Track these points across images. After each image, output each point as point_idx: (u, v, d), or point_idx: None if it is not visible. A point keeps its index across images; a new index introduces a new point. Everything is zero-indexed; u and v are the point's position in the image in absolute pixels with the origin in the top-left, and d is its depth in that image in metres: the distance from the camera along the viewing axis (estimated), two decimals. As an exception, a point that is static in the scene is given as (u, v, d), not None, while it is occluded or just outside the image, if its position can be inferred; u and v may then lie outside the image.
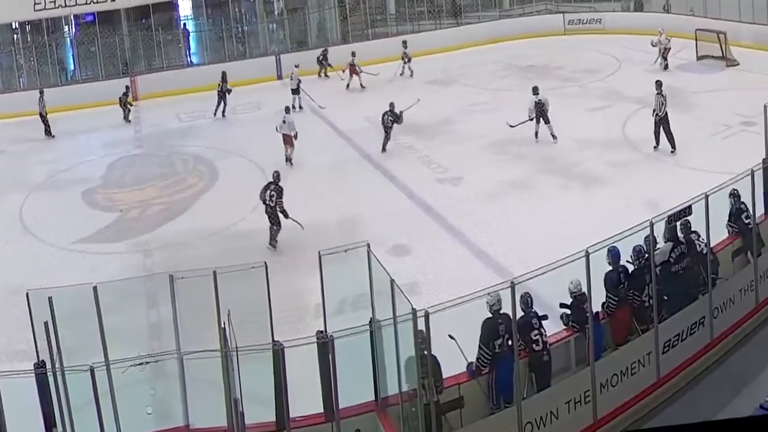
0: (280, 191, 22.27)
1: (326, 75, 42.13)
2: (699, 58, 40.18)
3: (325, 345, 12.26)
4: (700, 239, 16.07)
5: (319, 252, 13.17)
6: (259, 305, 13.16)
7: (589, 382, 13.84)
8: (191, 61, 46.79)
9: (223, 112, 34.87)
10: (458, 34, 47.77)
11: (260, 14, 49.32)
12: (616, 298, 14.96)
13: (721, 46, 39.57)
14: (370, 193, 26.09)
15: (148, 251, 23.24)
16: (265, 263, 12.99)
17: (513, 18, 51.39)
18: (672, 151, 26.95)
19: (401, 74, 40.99)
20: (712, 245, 16.23)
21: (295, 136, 28.79)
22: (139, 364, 12.29)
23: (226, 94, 34.79)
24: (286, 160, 28.58)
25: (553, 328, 14.71)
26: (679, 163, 26.27)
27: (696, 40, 40.19)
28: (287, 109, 31.16)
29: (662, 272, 15.35)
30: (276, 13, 50.66)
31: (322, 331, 12.79)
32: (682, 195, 16.09)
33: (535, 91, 29.46)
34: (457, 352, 13.17)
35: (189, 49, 47.38)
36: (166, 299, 13.58)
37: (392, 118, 29.18)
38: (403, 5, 50.47)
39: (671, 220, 15.36)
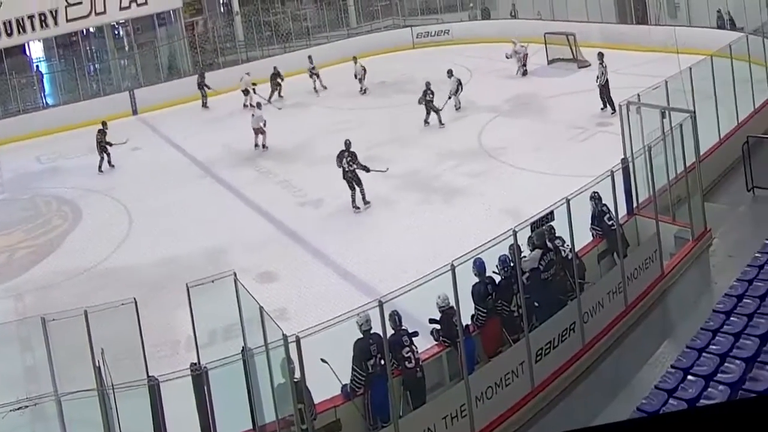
0: (354, 155, 25.77)
1: (206, 105, 42.65)
2: (550, 61, 41.39)
3: (199, 377, 12.42)
4: (565, 245, 16.47)
5: (186, 284, 13.23)
6: (131, 341, 13.11)
7: (464, 396, 14.08)
8: (47, 102, 46.38)
9: (109, 162, 33.65)
10: (310, 54, 48.03)
11: (111, 51, 49.20)
12: (485, 310, 15.27)
13: (571, 48, 40.84)
14: (233, 221, 26.14)
15: (19, 295, 22.97)
16: (134, 299, 12.99)
17: (362, 35, 52.25)
18: (612, 113, 28.95)
19: (315, 90, 41.75)
20: (576, 249, 16.69)
21: (264, 124, 32.87)
22: (17, 409, 12.21)
23: (107, 146, 33.70)
24: (258, 146, 32.74)
25: (424, 344, 14.93)
26: (537, 168, 26.91)
27: (546, 44, 41.38)
28: (258, 105, 34.41)
29: (532, 280, 15.75)
30: (126, 48, 50.24)
31: (195, 364, 12.89)
32: (544, 201, 16.57)
33: (450, 73, 34.31)
34: (331, 376, 13.33)
35: (44, 90, 47.09)
36: (40, 342, 13.40)
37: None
38: (251, 31, 50.85)
39: (535, 226, 15.77)
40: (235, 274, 13.28)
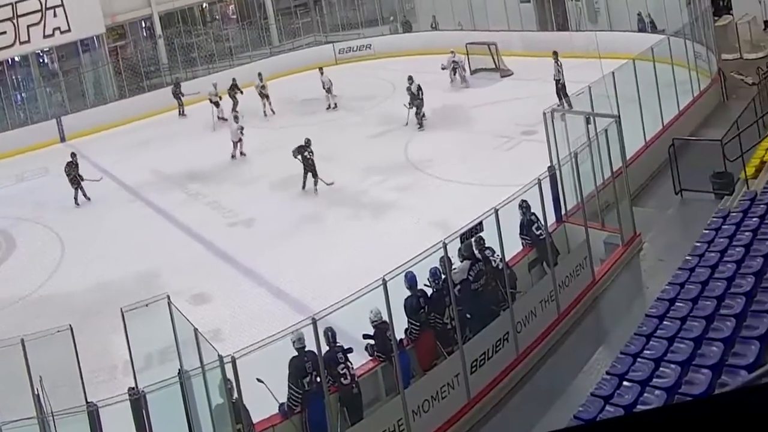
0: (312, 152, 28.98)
1: (183, 113, 43.13)
2: (473, 72, 41.64)
3: (137, 401, 12.51)
4: (495, 255, 16.56)
5: (121, 309, 13.38)
6: (69, 368, 13.19)
7: (401, 410, 14.07)
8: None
9: (84, 194, 32.51)
10: (233, 76, 48.00)
11: (36, 79, 48.79)
12: (418, 323, 15.32)
13: (493, 58, 41.12)
14: (164, 244, 26.04)
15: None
16: (70, 326, 13.08)
17: (284, 53, 52.31)
18: (569, 108, 28.42)
19: (265, 114, 41.20)
20: (507, 259, 16.78)
21: (242, 132, 34.20)
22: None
23: (80, 179, 32.44)
24: (235, 156, 33.71)
25: (359, 360, 15.01)
26: (465, 179, 27.03)
27: (467, 54, 41.60)
28: (235, 118, 35.16)
29: (463, 291, 15.80)
30: (52, 76, 49.73)
31: (133, 388, 12.95)
32: (472, 212, 16.66)
33: (411, 79, 34.58)
34: (268, 395, 13.34)
35: (-29, 121, 46.60)
36: (-22, 372, 13.45)
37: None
38: (175, 54, 50.91)
39: (464, 238, 15.84)
40: (168, 297, 13.49)
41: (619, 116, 20.29)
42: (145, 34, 54.12)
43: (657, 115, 26.05)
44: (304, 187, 28.70)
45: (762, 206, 15.83)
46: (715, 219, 17.25)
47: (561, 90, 32.19)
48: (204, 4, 55.96)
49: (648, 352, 12.55)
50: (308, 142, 29.01)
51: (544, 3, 48.73)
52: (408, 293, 15.36)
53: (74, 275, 24.59)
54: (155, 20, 52.61)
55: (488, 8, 47.93)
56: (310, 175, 28.44)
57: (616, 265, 19.23)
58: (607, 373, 12.71)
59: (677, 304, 13.73)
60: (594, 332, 17.47)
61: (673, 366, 11.69)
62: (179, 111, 43.66)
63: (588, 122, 20.00)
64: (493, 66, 41.08)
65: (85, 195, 31.71)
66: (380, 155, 31.13)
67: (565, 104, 29.82)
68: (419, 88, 34.23)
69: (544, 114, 20.57)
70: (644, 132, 24.85)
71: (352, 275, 18.23)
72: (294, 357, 13.75)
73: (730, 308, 12.02)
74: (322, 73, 41.51)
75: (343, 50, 50.86)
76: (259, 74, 42.01)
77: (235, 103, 40.55)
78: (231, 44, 54.36)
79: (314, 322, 12.96)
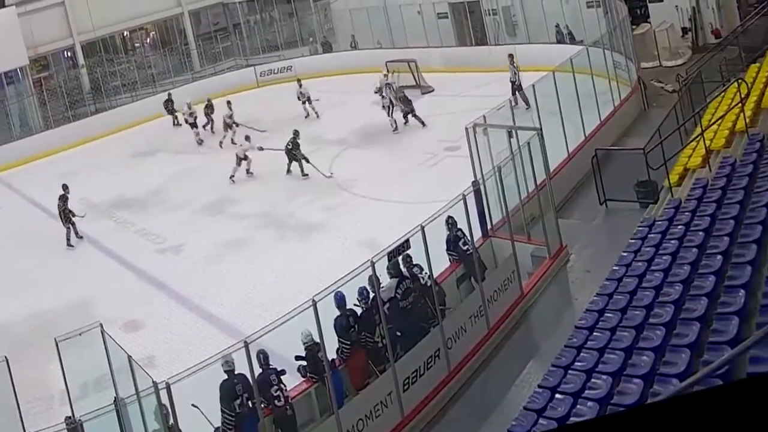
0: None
1: (178, 123, 42.65)
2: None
3: (74, 430, 12.62)
4: (423, 272, 16.63)
5: (55, 339, 13.45)
6: (6, 399, 13.19)
7: (335, 430, 14.05)
8: None
9: (76, 233, 31.53)
10: (156, 102, 47.69)
11: (-39, 112, 48.38)
12: (348, 342, 15.36)
13: (413, 75, 41.27)
14: (95, 273, 26.00)
15: None
16: (5, 357, 13.06)
17: (206, 78, 52.15)
18: (527, 108, 29.06)
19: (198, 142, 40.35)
20: (435, 275, 16.86)
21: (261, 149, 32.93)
22: None
23: (71, 215, 30.51)
24: (244, 173, 32.47)
25: (292, 381, 15.08)
26: (390, 197, 27.15)
27: (388, 72, 41.62)
28: (247, 138, 33.61)
29: (391, 309, 15.84)
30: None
31: (70, 417, 13.10)
32: (399, 229, 16.68)
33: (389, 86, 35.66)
34: (203, 420, 13.37)
35: None
36: None
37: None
38: (99, 82, 50.62)
39: (391, 256, 15.87)
40: (101, 326, 13.59)
41: (540, 129, 20.43)
42: (67, 64, 53.69)
43: (579, 126, 26.35)
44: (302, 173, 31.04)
45: (687, 214, 16.03)
46: (640, 228, 17.46)
47: (517, 89, 32.72)
48: (125, 32, 55.75)
49: (579, 363, 12.64)
50: (295, 133, 31.08)
51: (462, 18, 49.15)
52: (337, 313, 15.38)
53: (7, 307, 24.41)
54: (77, 50, 52.32)
55: (407, 25, 48.31)
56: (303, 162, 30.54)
57: (543, 277, 19.37)
58: (539, 386, 12.78)
59: (606, 314, 13.85)
60: (524, 345, 17.56)
61: (604, 377, 11.78)
62: (174, 122, 43.48)
63: (510, 136, 20.17)
64: (414, 83, 41.20)
65: (77, 233, 29.40)
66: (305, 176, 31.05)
67: (523, 103, 30.23)
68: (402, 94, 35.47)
69: (467, 129, 20.68)
70: (567, 143, 25.10)
71: (282, 297, 18.37)
72: (224, 380, 13.82)
73: (659, 317, 12.14)
74: (300, 85, 41.46)
75: (264, 73, 50.80)
76: (188, 103, 41.67)
77: (211, 123, 40.56)
78: (153, 71, 54.15)
79: (246, 346, 13.01)
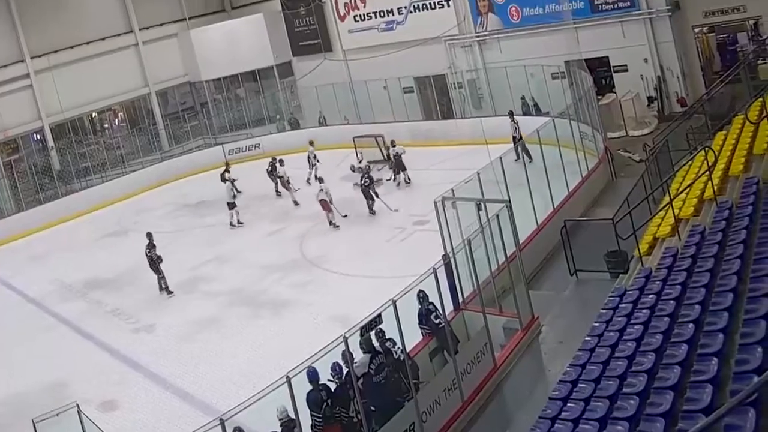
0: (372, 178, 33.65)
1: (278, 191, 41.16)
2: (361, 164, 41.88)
3: None
4: (396, 346, 16.64)
5: (32, 420, 13.69)
6: None
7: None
8: None
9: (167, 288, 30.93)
10: (126, 183, 48.26)
11: (-68, 193, 48.40)
12: (321, 417, 15.33)
13: (380, 149, 41.48)
14: (70, 353, 25.95)
15: None
16: None
17: (175, 158, 52.50)
18: (530, 161, 30.05)
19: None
20: (408, 349, 16.87)
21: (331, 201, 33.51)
22: None
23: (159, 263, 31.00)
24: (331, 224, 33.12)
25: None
26: (361, 272, 27.28)
27: (355, 147, 41.85)
28: (320, 180, 34.75)
29: (365, 384, 15.88)
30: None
31: None
32: (371, 304, 16.71)
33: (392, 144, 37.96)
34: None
35: None
36: None
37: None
38: (68, 163, 51.00)
39: (364, 331, 15.89)
40: (78, 406, 13.93)
41: (509, 201, 20.62)
42: (38, 146, 53.74)
43: (547, 198, 26.60)
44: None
45: (658, 283, 16.16)
46: (611, 298, 17.57)
47: (520, 145, 33.01)
48: (93, 114, 55.73)
49: (554, 434, 12.64)
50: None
51: (428, 92, 49.65)
52: (310, 387, 15.34)
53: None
54: (47, 132, 52.20)
55: (373, 100, 48.92)
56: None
57: (516, 349, 19.41)
58: (515, 458, 12.80)
59: (580, 385, 13.88)
60: (499, 418, 17.56)
61: (579, 447, 11.80)
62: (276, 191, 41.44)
63: (479, 208, 20.29)
64: (382, 157, 41.42)
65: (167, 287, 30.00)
66: (276, 253, 31.36)
67: (526, 157, 30.46)
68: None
69: (435, 203, 20.82)
70: (536, 215, 25.32)
71: (255, 374, 18.57)
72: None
73: (633, 386, 12.19)
74: (312, 145, 42.09)
75: (232, 151, 50.98)
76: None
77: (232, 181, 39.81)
78: (122, 151, 54.31)
79: (222, 423, 12.98)
